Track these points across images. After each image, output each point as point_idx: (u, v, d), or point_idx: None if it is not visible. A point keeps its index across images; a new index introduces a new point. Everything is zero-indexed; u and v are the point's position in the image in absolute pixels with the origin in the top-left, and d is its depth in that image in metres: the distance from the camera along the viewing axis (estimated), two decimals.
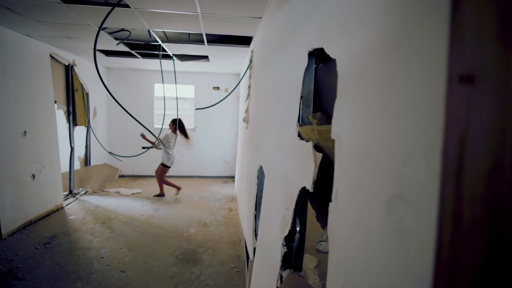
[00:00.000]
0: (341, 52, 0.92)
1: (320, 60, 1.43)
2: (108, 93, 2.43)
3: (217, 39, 3.75)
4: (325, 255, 1.68)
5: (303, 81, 1.42)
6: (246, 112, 3.56)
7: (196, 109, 3.36)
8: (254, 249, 2.73)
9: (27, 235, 3.28)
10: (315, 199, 1.42)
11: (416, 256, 0.56)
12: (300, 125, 1.43)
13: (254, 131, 2.96)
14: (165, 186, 5.05)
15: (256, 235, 2.79)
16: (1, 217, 3.13)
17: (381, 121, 0.68)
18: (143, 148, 3.93)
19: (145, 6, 2.48)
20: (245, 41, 3.80)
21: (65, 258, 2.82)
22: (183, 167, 6.47)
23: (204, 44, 3.78)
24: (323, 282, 2.11)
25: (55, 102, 4.24)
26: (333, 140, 0.99)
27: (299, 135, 1.42)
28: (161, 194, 4.97)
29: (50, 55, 4.10)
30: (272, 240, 1.79)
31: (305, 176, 1.26)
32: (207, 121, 6.37)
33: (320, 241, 1.71)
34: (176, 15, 2.67)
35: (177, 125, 4.71)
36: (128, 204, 4.49)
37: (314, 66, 1.44)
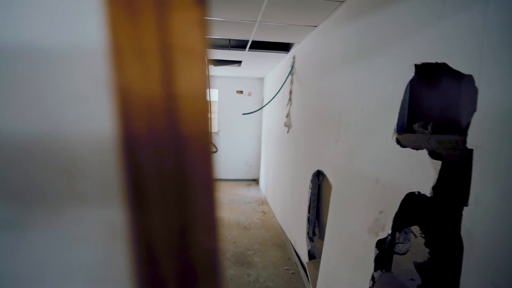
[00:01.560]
0: (485, 69, 0.99)
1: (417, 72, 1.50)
2: None
3: (252, 44, 3.80)
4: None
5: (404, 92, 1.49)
6: (287, 117, 3.63)
7: (243, 114, 3.44)
8: (308, 251, 2.80)
9: None
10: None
11: None
12: (399, 133, 1.51)
13: (302, 136, 3.03)
14: None
15: (310, 238, 2.85)
16: None
17: None
18: None
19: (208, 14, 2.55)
20: (279, 46, 3.86)
21: None
22: None
23: (244, 50, 3.85)
24: None
25: None
26: (465, 149, 1.08)
27: (398, 143, 1.50)
28: None
29: None
30: (354, 243, 1.86)
31: (416, 182, 1.33)
32: (230, 124, 6.43)
33: (397, 243, 1.79)
34: (233, 22, 2.75)
35: None
36: None
37: (410, 77, 1.51)
